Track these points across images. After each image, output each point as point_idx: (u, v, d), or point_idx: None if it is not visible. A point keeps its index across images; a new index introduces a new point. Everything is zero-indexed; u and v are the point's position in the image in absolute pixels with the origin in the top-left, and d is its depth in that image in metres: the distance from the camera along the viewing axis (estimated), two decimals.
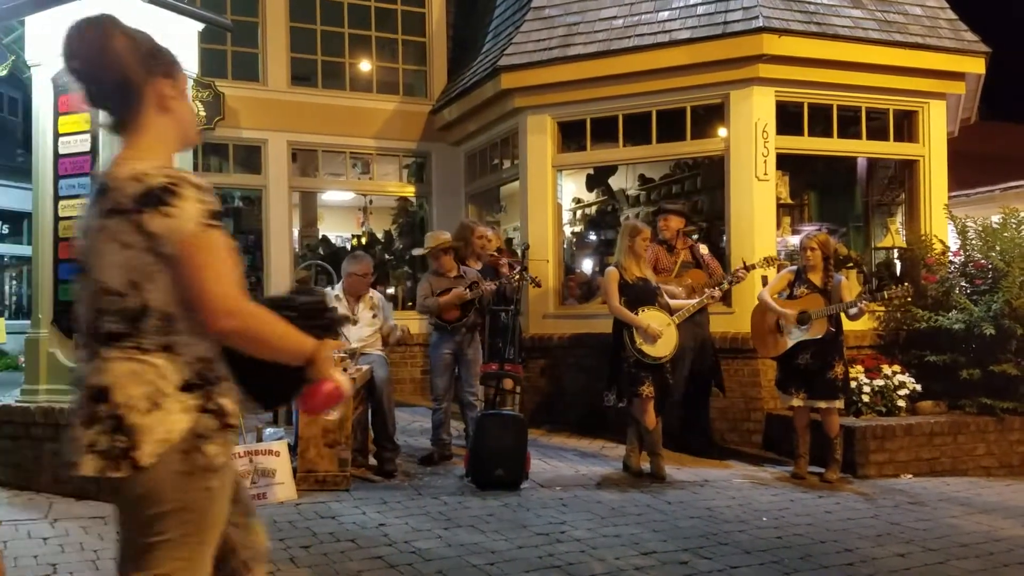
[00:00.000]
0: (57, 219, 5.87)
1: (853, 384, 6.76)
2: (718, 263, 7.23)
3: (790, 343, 6.25)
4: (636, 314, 6.09)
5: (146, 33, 2.04)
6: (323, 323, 2.12)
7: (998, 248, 7.24)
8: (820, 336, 6.14)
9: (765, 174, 7.67)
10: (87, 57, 1.96)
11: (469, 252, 7.25)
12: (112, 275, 1.88)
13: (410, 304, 10.75)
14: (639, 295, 6.17)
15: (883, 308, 7.57)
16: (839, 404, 6.26)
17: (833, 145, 8.16)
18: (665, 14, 8.03)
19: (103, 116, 2.03)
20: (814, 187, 9.83)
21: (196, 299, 1.85)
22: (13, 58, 7.40)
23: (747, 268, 6.74)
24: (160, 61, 2.03)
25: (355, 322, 6.54)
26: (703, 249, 7.28)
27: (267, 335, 1.93)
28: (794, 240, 8.41)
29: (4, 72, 7.59)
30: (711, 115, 8.20)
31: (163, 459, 1.85)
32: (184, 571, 1.94)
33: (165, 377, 1.89)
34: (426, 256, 6.95)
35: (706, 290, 6.63)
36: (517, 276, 6.74)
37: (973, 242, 7.54)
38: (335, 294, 6.66)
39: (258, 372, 1.99)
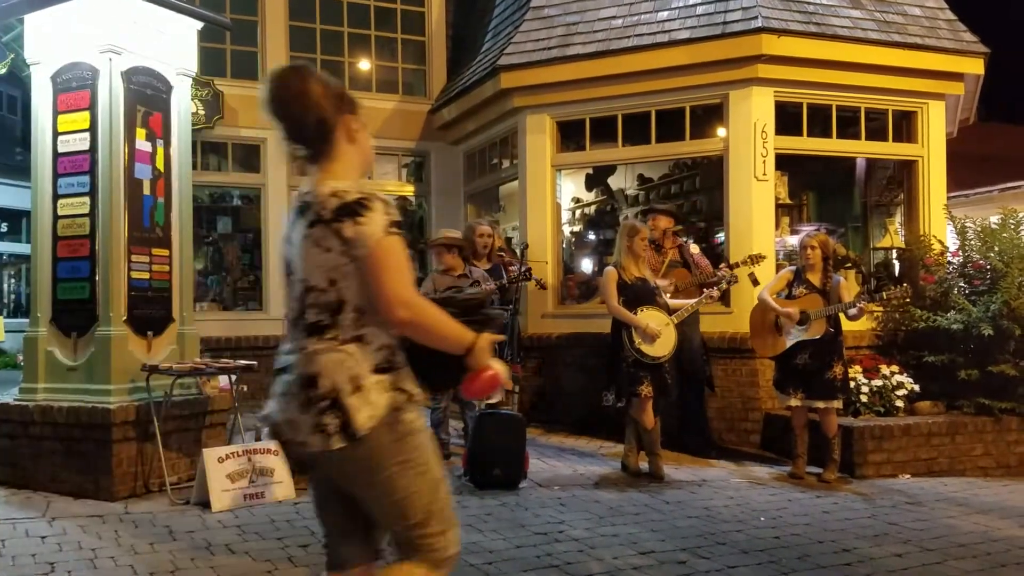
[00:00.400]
0: (56, 217, 5.87)
1: (851, 384, 6.76)
2: (708, 263, 7.21)
3: (789, 343, 6.25)
4: (635, 314, 6.09)
5: (334, 78, 2.44)
6: (480, 318, 2.43)
7: (997, 249, 7.25)
8: (819, 336, 6.15)
9: (764, 174, 7.68)
10: (290, 101, 2.34)
11: (473, 252, 7.29)
12: (316, 274, 2.25)
13: None
14: (638, 295, 6.17)
15: (882, 308, 7.57)
16: (837, 404, 6.26)
17: (832, 145, 8.17)
18: (664, 14, 8.03)
19: (294, 149, 2.41)
20: (813, 187, 9.84)
21: (379, 293, 2.18)
22: (12, 56, 7.40)
23: (731, 267, 6.76)
24: (346, 101, 2.42)
25: None
26: (694, 248, 7.28)
27: (434, 326, 2.25)
28: (793, 240, 8.42)
29: (3, 70, 7.58)
30: (710, 115, 8.21)
31: (374, 431, 2.20)
32: (427, 493, 2.30)
33: (360, 363, 2.23)
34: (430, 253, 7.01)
35: (704, 290, 6.64)
36: (522, 277, 6.73)
37: (972, 243, 7.54)
38: None
39: (429, 361, 2.31)
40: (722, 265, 6.80)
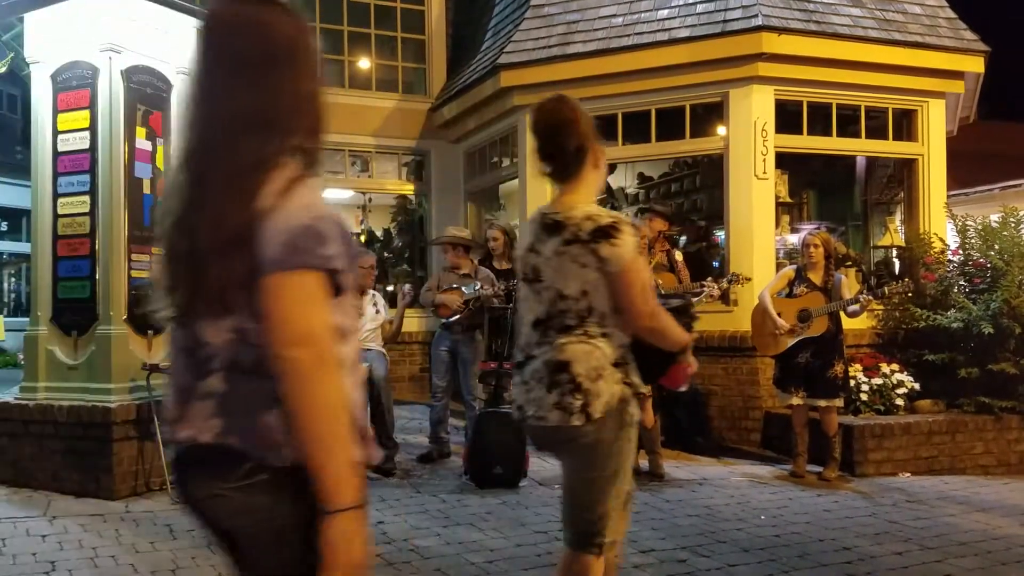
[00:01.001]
0: (56, 216, 5.86)
1: (852, 383, 6.77)
2: (688, 273, 7.15)
3: (790, 342, 6.25)
4: None
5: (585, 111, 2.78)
6: (688, 320, 2.86)
7: (997, 247, 7.25)
8: (820, 334, 6.15)
9: (764, 173, 7.67)
10: (558, 127, 2.71)
11: (485, 253, 7.33)
12: (570, 284, 2.61)
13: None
14: None
15: (882, 307, 7.57)
16: (838, 403, 6.26)
17: (832, 144, 8.17)
18: (664, 12, 8.03)
19: (544, 167, 2.77)
20: (813, 186, 9.84)
21: (629, 305, 2.59)
22: (12, 55, 7.39)
23: (717, 283, 6.75)
24: (596, 131, 2.79)
25: (360, 316, 6.57)
26: (678, 256, 7.27)
27: (667, 331, 2.66)
28: (793, 239, 8.42)
29: (3, 69, 7.58)
30: (710, 114, 8.20)
31: (606, 415, 2.56)
32: (613, 499, 2.66)
33: (606, 356, 2.59)
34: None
35: (704, 288, 6.64)
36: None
37: (972, 241, 7.54)
38: None
39: (648, 357, 2.69)
40: (709, 279, 6.78)
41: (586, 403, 2.54)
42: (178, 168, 1.69)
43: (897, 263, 8.94)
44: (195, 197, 1.61)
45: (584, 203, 2.69)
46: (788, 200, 8.93)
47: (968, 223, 7.66)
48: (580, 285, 2.59)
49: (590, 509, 2.66)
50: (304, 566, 1.56)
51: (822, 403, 6.20)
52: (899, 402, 6.92)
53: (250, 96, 1.63)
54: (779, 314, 6.30)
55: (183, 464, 1.66)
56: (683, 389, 2.97)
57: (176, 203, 1.65)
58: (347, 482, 1.53)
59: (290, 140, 1.66)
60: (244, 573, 1.66)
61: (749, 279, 6.99)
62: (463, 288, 6.66)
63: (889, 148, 8.38)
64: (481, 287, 6.59)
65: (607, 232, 2.57)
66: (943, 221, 8.08)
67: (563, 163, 2.73)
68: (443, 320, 6.77)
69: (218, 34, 1.68)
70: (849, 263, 8.46)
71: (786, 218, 8.91)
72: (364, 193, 11.68)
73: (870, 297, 6.36)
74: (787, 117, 7.89)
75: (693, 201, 10.06)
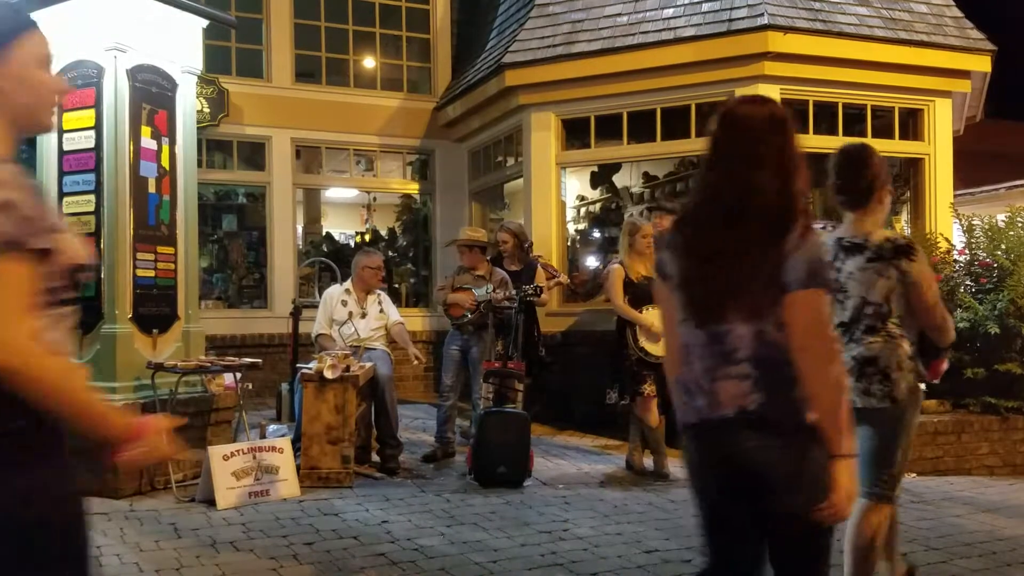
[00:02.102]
0: (61, 216, 5.86)
1: None
2: None
3: None
4: (640, 312, 6.08)
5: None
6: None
7: (1003, 247, 7.22)
8: None
9: None
10: (859, 166, 3.30)
11: (496, 254, 7.34)
12: (876, 294, 3.22)
13: (416, 299, 10.77)
14: (644, 294, 6.15)
15: None
16: None
17: (838, 143, 7.99)
18: (670, 11, 8.01)
19: (839, 197, 3.38)
20: (819, 186, 9.80)
21: (924, 309, 3.23)
22: None
23: None
24: (888, 176, 3.38)
25: (364, 316, 6.58)
26: None
27: (949, 330, 3.36)
28: None
29: None
30: (716, 113, 8.17)
31: (907, 398, 3.22)
32: (902, 461, 3.34)
33: (904, 351, 3.24)
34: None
35: None
36: (532, 293, 6.66)
37: (978, 241, 7.51)
38: (345, 288, 6.70)
39: (921, 353, 3.38)
40: None
41: (892, 389, 3.18)
42: (707, 202, 2.31)
43: None
44: (735, 235, 2.20)
45: (876, 228, 3.30)
46: None
47: (974, 223, 7.63)
48: (884, 294, 3.21)
49: (890, 469, 3.27)
50: (821, 496, 2.12)
51: None
52: None
53: (772, 161, 2.30)
54: None
55: (724, 426, 2.21)
56: (935, 382, 3.52)
57: (707, 237, 2.24)
58: (847, 437, 2.15)
59: (799, 194, 2.28)
60: (771, 507, 2.21)
61: None
62: (475, 290, 6.67)
63: (895, 147, 8.34)
64: (493, 290, 6.59)
65: (906, 251, 3.20)
66: (949, 221, 8.05)
67: (855, 195, 3.32)
68: (454, 320, 6.77)
69: (745, 120, 2.42)
70: None
71: None
72: (368, 192, 11.71)
73: None
74: (793, 116, 7.85)
75: None
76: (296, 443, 5.87)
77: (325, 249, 11.23)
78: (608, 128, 8.53)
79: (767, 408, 2.16)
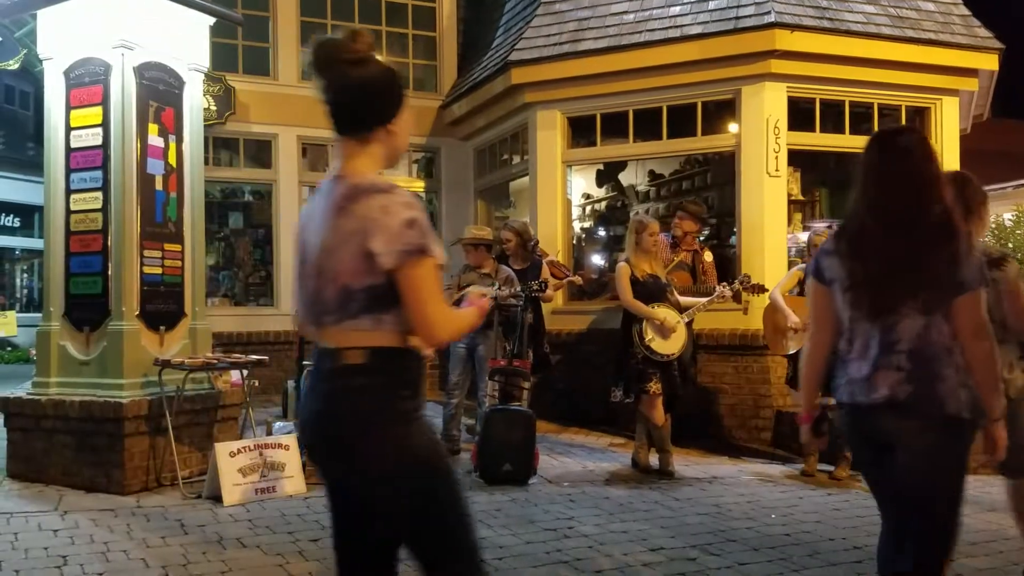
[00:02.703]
0: (68, 212, 5.89)
1: None
2: (715, 275, 7.13)
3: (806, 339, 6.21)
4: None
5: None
6: None
7: (1011, 245, 7.20)
8: None
9: (776, 170, 7.64)
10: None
11: (499, 253, 7.34)
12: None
13: None
14: (650, 291, 6.15)
15: None
16: None
17: (845, 141, 8.12)
18: (676, 9, 8.00)
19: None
20: (825, 183, 9.78)
21: (1016, 313, 3.39)
22: (25, 52, 7.43)
23: (731, 286, 6.58)
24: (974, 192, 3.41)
25: None
26: (707, 256, 7.22)
27: None
28: (805, 237, 8.37)
29: (16, 65, 7.63)
30: (722, 111, 8.17)
31: (1019, 396, 3.50)
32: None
33: (1010, 353, 3.45)
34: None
35: (716, 288, 6.61)
36: (537, 289, 6.67)
37: (986, 239, 7.48)
38: None
39: None
40: (724, 283, 6.73)
41: (1007, 388, 3.24)
42: (872, 219, 2.65)
43: None
44: (908, 243, 2.58)
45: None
46: (800, 198, 8.89)
47: None
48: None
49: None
50: (961, 482, 2.62)
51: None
52: None
53: (930, 179, 2.65)
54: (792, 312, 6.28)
55: (875, 409, 2.62)
56: None
57: (881, 245, 2.61)
58: (999, 403, 2.63)
59: (953, 207, 2.63)
60: (901, 478, 2.63)
61: (765, 289, 6.81)
62: (481, 288, 6.67)
63: None
64: (499, 287, 6.59)
65: (998, 262, 3.39)
66: None
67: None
68: None
69: (905, 146, 2.70)
70: None
71: (798, 216, 8.87)
72: None
73: None
74: (800, 114, 7.85)
75: (704, 199, 10.00)
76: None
77: None
78: (614, 126, 8.52)
79: (914, 399, 2.55)
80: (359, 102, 2.21)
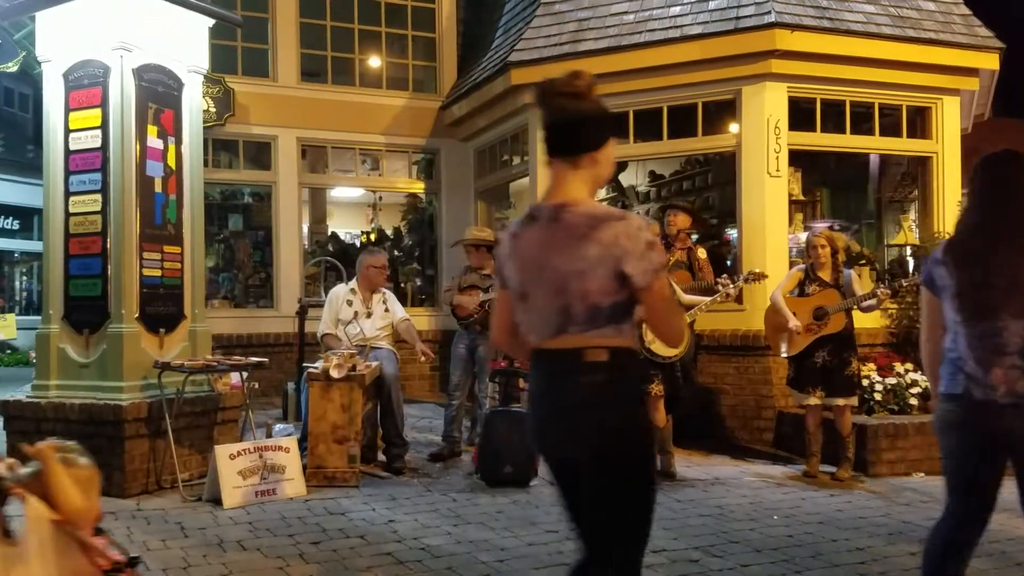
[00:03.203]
0: (68, 215, 5.88)
1: (865, 382, 6.73)
2: (712, 271, 7.11)
3: (808, 341, 6.20)
4: None
5: None
6: None
7: None
8: (838, 331, 6.12)
9: (777, 170, 7.63)
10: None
11: None
12: None
13: (423, 297, 10.77)
14: None
15: (896, 306, 7.52)
16: (854, 401, 6.25)
17: (846, 141, 8.12)
18: (676, 9, 7.98)
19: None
20: (826, 183, 9.78)
21: None
22: (24, 54, 7.43)
23: (733, 280, 6.56)
24: None
25: (369, 315, 6.58)
26: (701, 253, 7.21)
27: None
28: (805, 237, 8.36)
29: (15, 68, 7.63)
30: (723, 111, 8.16)
31: None
32: None
33: None
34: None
35: (719, 287, 6.59)
36: None
37: None
38: (350, 287, 6.70)
39: None
40: (724, 276, 6.71)
41: None
42: (979, 231, 2.97)
43: (911, 262, 8.87)
44: (1008, 255, 2.87)
45: None
46: (801, 198, 8.87)
47: None
48: None
49: None
50: None
51: (840, 401, 6.16)
52: (913, 401, 6.86)
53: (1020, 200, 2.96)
54: (794, 314, 6.26)
55: (997, 407, 2.87)
56: None
57: (987, 257, 2.90)
58: None
59: None
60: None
61: (766, 276, 6.84)
62: (481, 289, 6.67)
63: (903, 146, 8.31)
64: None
65: None
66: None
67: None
68: (460, 320, 6.79)
69: (1009, 173, 3.01)
70: (863, 261, 8.40)
71: (799, 216, 8.86)
72: (374, 191, 11.70)
73: (887, 291, 6.28)
74: (800, 114, 7.84)
75: (705, 199, 10.01)
76: (302, 442, 5.87)
77: (331, 248, 11.24)
78: (614, 127, 8.49)
79: None
80: (573, 129, 2.65)
